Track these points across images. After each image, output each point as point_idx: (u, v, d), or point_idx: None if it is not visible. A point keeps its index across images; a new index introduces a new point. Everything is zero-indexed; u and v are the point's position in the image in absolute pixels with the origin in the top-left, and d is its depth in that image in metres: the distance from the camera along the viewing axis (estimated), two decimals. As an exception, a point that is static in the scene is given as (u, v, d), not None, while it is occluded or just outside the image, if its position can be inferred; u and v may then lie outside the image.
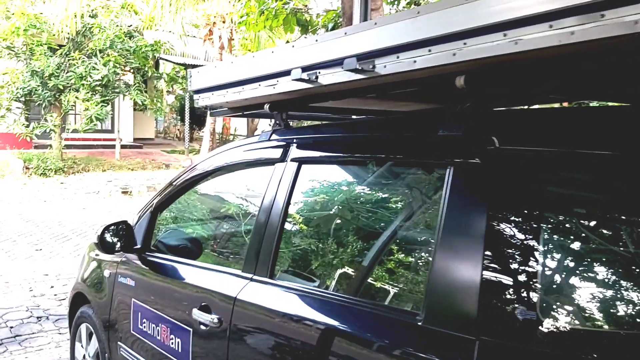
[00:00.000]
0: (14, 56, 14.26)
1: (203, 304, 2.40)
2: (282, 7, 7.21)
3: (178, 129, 27.77)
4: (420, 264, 1.87)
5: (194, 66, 20.24)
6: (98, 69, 13.72)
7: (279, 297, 2.12)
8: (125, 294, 3.12)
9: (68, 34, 14.10)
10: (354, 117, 3.08)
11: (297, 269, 2.28)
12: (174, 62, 20.50)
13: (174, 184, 3.06)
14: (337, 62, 2.02)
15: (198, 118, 24.31)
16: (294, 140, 2.32)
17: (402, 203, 2.02)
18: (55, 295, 5.93)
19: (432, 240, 1.71)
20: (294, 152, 2.27)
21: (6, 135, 15.60)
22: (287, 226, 2.25)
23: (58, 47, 14.48)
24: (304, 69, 2.15)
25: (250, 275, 2.27)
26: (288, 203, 2.21)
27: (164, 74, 17.54)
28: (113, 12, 14.99)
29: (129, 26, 15.45)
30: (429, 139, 1.83)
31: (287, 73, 2.24)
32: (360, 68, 1.94)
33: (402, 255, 1.95)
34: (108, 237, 3.05)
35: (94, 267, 3.58)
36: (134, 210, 3.50)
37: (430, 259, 1.66)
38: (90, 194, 12.77)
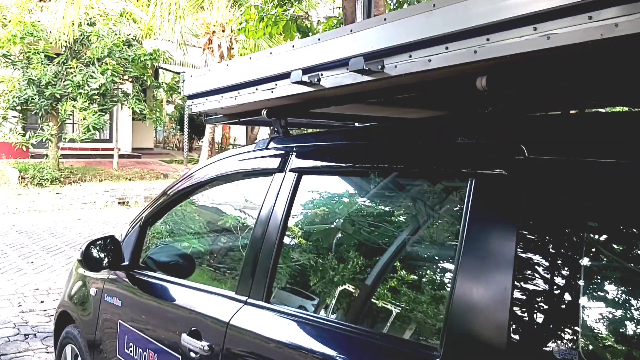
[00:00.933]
0: (10, 64, 14.10)
1: (193, 328, 2.19)
2: (282, 13, 7.04)
3: (177, 139, 27.61)
4: (438, 289, 1.65)
5: (193, 75, 20.13)
6: (96, 78, 13.54)
7: (276, 324, 1.90)
8: (111, 314, 2.90)
9: (65, 42, 13.95)
10: (356, 124, 2.88)
11: (296, 291, 2.06)
12: (173, 72, 20.35)
13: (165, 195, 2.85)
14: (342, 63, 1.83)
15: (197, 128, 24.15)
16: (294, 149, 2.11)
17: (415, 219, 1.80)
18: (44, 311, 5.70)
19: (451, 263, 1.50)
20: (294, 161, 2.07)
21: (2, 145, 15.42)
22: (286, 243, 2.04)
23: (55, 56, 14.33)
24: (305, 70, 1.95)
25: (244, 298, 2.06)
26: (287, 217, 2.00)
27: (163, 83, 17.37)
28: (111, 20, 14.87)
29: (127, 35, 15.30)
30: (445, 148, 1.62)
31: (286, 76, 2.04)
32: (367, 69, 1.74)
33: (415, 279, 1.73)
34: (93, 253, 2.84)
35: (80, 284, 3.36)
36: (129, 221, 3.29)
37: (450, 284, 1.45)
38: (86, 204, 12.56)
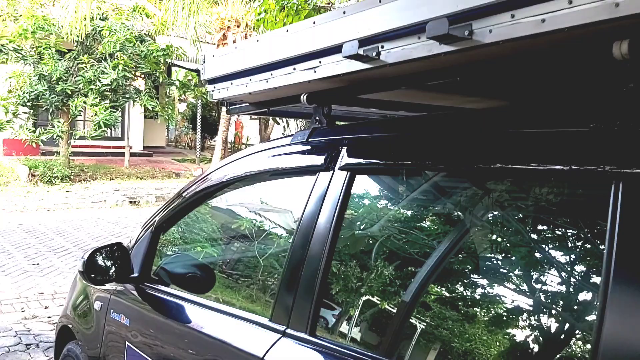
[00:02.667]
0: (21, 59, 13.80)
1: (216, 362, 1.79)
2: (304, 2, 6.62)
3: (189, 138, 27.33)
4: (574, 332, 1.21)
5: (206, 73, 19.76)
6: (107, 73, 13.21)
7: (325, 365, 1.50)
8: (117, 333, 2.50)
9: (77, 36, 13.59)
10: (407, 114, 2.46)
11: (350, 322, 1.64)
12: (186, 69, 19.95)
13: (180, 196, 2.44)
14: (414, 30, 1.41)
15: (210, 126, 23.86)
16: (345, 142, 1.69)
17: (528, 236, 1.35)
18: (49, 317, 5.33)
19: (591, 297, 1.08)
20: (345, 157, 1.64)
21: (12, 141, 15.15)
22: (336, 260, 1.62)
23: (67, 51, 14.03)
24: (362, 41, 1.54)
25: (282, 328, 1.64)
26: (337, 228, 1.58)
27: (176, 80, 17.03)
28: (124, 14, 14.53)
29: (140, 30, 14.96)
30: (574, 137, 1.19)
31: (334, 50, 1.64)
32: (453, 35, 1.32)
33: (532, 318, 1.27)
34: (97, 263, 2.44)
35: (83, 296, 2.96)
36: (141, 222, 2.86)
37: (594, 322, 1.03)
38: (96, 203, 12.21)
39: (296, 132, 1.96)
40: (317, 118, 1.91)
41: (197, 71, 19.74)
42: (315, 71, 1.74)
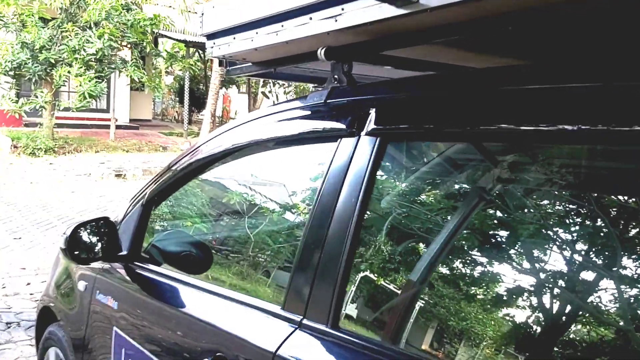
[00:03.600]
0: (3, 27, 13.28)
1: (219, 354, 1.55)
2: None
3: (176, 111, 26.87)
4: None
5: (195, 44, 19.29)
6: (92, 42, 12.72)
7: (351, 362, 1.27)
8: (104, 317, 2.26)
9: (61, 4, 13.06)
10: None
11: (381, 313, 1.41)
12: (174, 39, 19.49)
13: (173, 168, 2.18)
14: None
15: (197, 100, 23.41)
16: (374, 103, 1.44)
17: (595, 218, 1.11)
18: (31, 294, 5.07)
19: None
20: (375, 121, 1.39)
21: (-6, 112, 14.69)
22: (364, 242, 1.39)
23: (50, 19, 13.51)
24: (398, -20, 1.29)
25: (297, 318, 1.41)
26: (364, 204, 1.34)
27: (164, 52, 16.58)
28: (110, -19, 14.00)
29: (126, -2, 14.46)
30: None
31: (361, -7, 1.40)
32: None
33: (604, 312, 1.05)
34: (82, 240, 2.19)
35: (66, 275, 2.72)
36: (128, 196, 2.61)
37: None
38: (81, 176, 11.88)
39: (310, 93, 1.70)
40: (335, 77, 1.66)
41: (185, 42, 19.30)
42: (336, 20, 1.49)
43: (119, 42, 13.85)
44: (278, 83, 20.95)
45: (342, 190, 1.39)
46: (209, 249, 2.28)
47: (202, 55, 21.26)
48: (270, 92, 21.43)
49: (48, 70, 13.28)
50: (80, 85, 12.66)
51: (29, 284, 5.35)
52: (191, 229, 2.40)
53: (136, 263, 2.21)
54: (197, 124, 22.17)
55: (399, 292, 1.37)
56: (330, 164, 1.46)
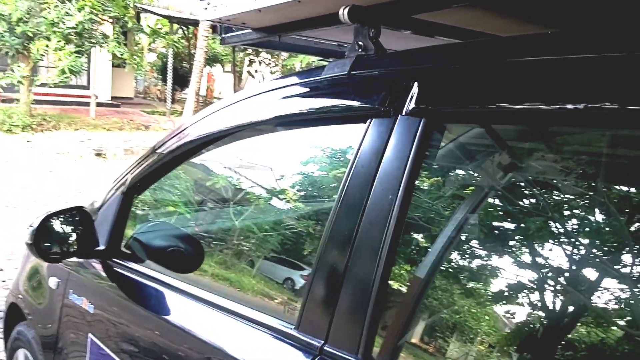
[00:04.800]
0: (-22, -2, 12.72)
1: (216, 381, 1.28)
2: None
3: (159, 89, 26.30)
4: None
5: (179, 20, 18.74)
6: (72, 15, 12.23)
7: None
8: (78, 322, 1.97)
9: (39, -26, 12.54)
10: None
11: (427, 341, 1.13)
12: (157, 14, 18.91)
13: (159, 151, 1.88)
14: None
15: (180, 78, 22.86)
16: (417, 75, 1.15)
17: None
18: (3, 282, 4.75)
19: None
20: (418, 98, 1.10)
21: (-31, 87, 14.12)
22: (405, 249, 1.11)
23: (28, -10, 12.95)
24: None
25: (317, 343, 1.13)
26: (405, 202, 1.06)
27: (147, 27, 16.06)
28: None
29: (107, -30, 13.91)
30: None
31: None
32: None
33: None
34: (52, 233, 1.89)
35: (36, 269, 2.41)
36: (108, 178, 2.29)
37: None
38: (60, 154, 11.45)
39: (329, 64, 1.40)
40: (360, 43, 1.36)
41: (169, 18, 18.73)
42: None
43: (100, 16, 13.36)
44: (264, 62, 20.50)
45: (375, 184, 1.11)
46: (199, 243, 2.00)
47: (186, 32, 20.73)
48: (256, 71, 20.95)
49: (25, 44, 12.76)
50: (59, 60, 12.20)
51: (1, 270, 5.02)
52: (179, 221, 2.10)
53: (115, 260, 1.92)
54: (180, 103, 21.66)
55: (458, 315, 1.09)
56: (358, 150, 1.17)
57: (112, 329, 1.83)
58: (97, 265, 1.95)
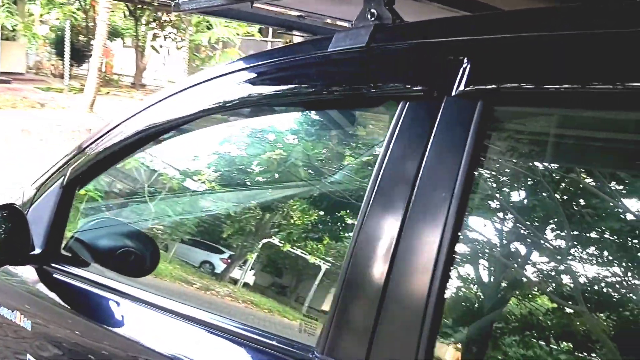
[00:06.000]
0: None
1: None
2: None
3: (52, 65, 24.65)
4: None
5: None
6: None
7: None
8: (12, 340, 1.66)
9: None
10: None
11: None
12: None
13: (108, 134, 1.59)
14: None
15: (77, 53, 21.46)
16: (469, 48, 0.97)
17: None
18: None
19: None
20: (472, 75, 0.92)
21: None
22: (462, 255, 0.93)
23: None
24: None
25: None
26: (463, 198, 0.88)
27: (40, -5, 14.87)
28: None
29: None
30: None
31: None
32: None
33: None
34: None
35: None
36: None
37: None
38: (-55, 135, 10.37)
39: (336, 35, 1.19)
40: (372, 11, 1.16)
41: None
42: None
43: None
44: (170, 37, 19.61)
45: (419, 180, 0.92)
46: (152, 242, 1.74)
47: (82, 3, 19.41)
48: (161, 46, 20.00)
49: None
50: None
51: None
52: (128, 215, 1.82)
53: (54, 265, 1.62)
54: (78, 79, 20.36)
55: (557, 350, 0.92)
56: (391, 141, 0.98)
57: (55, 349, 1.54)
58: (33, 273, 1.64)
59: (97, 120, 12.63)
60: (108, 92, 18.50)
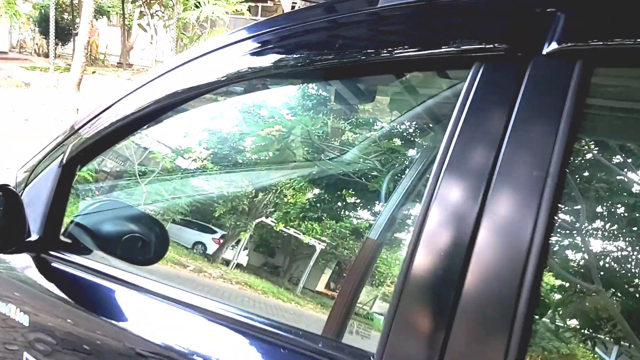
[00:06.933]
0: None
1: None
2: None
3: (36, 43, 24.19)
4: None
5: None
6: None
7: None
8: (8, 335, 1.50)
9: None
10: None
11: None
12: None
13: (112, 109, 1.42)
14: None
15: (61, 31, 21.05)
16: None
17: None
18: None
19: None
20: (566, 30, 0.77)
21: None
22: (567, 250, 0.79)
23: None
24: None
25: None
26: (560, 180, 0.73)
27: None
28: None
29: None
30: None
31: None
32: None
33: None
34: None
35: None
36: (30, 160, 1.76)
37: None
38: None
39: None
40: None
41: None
42: None
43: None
44: (157, 15, 19.19)
45: (500, 158, 0.77)
46: (162, 227, 1.59)
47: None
48: (147, 24, 19.57)
49: None
50: None
51: None
52: (134, 197, 1.66)
53: (53, 253, 1.46)
54: (63, 58, 19.99)
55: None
56: (463, 111, 0.82)
57: (55, 345, 1.38)
58: (30, 262, 1.48)
59: (84, 99, 12.38)
60: (94, 72, 18.19)
